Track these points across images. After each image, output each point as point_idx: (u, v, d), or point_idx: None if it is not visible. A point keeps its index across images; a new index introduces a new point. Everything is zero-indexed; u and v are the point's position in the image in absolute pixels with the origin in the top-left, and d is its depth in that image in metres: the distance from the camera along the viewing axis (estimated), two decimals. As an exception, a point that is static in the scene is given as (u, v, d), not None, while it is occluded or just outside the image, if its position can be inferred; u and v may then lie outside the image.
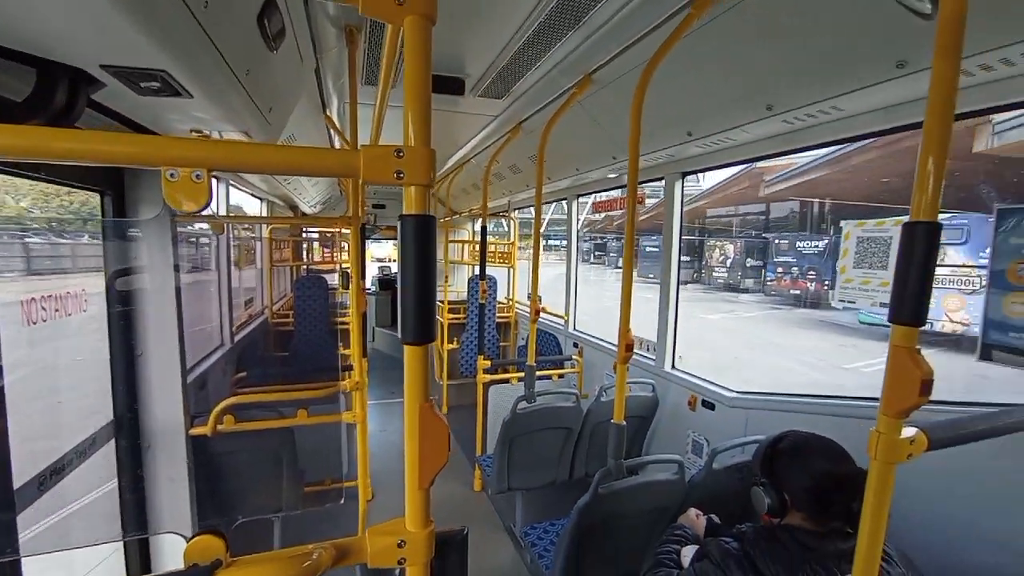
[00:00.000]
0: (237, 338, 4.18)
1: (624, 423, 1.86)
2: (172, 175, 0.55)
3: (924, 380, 0.79)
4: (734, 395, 2.43)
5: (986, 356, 1.32)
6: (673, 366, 2.91)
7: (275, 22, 1.50)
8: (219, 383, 3.54)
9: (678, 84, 2.04)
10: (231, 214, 4.06)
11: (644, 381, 2.76)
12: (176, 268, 2.14)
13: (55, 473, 1.64)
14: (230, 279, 3.98)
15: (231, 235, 4.52)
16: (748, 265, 17.35)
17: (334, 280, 7.64)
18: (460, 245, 5.98)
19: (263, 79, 1.68)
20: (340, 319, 5.57)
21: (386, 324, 8.12)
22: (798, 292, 14.35)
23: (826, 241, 13.47)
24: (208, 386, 3.30)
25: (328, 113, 2.94)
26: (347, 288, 6.45)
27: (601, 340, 3.79)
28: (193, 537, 0.62)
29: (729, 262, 18.22)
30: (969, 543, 1.55)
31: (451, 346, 5.16)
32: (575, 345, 4.05)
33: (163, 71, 1.18)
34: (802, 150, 2.17)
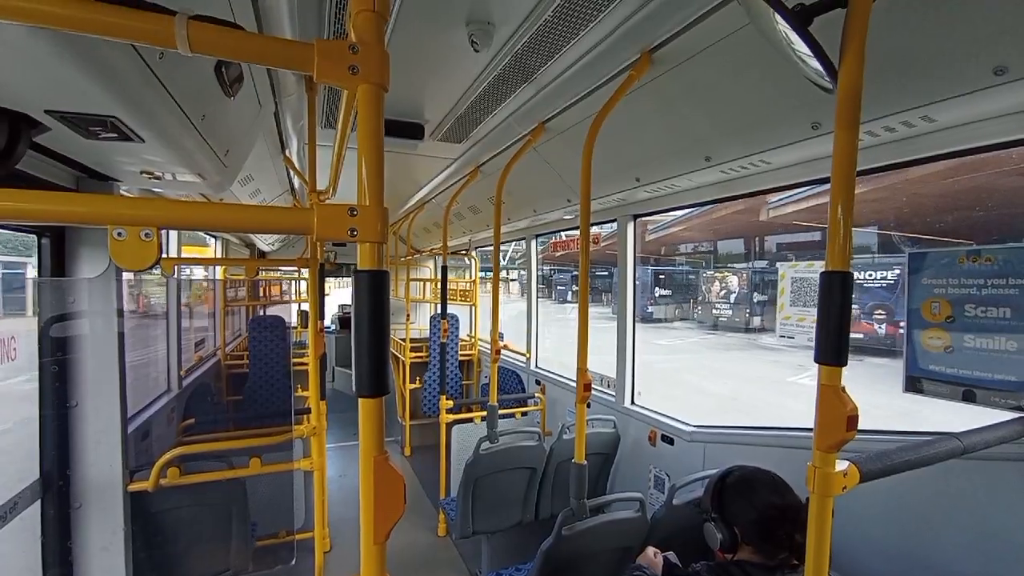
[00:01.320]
0: (186, 382, 3.96)
1: (585, 462, 1.87)
2: (119, 234, 0.55)
3: (850, 416, 0.85)
4: (692, 429, 2.48)
5: (911, 387, 1.42)
6: (632, 401, 2.95)
7: (232, 69, 1.52)
8: (164, 432, 3.31)
9: (627, 134, 2.17)
10: (183, 257, 3.92)
11: (605, 418, 2.78)
12: (120, 313, 2.04)
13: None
14: (179, 320, 3.80)
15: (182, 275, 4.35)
16: (755, 300, 15.05)
17: (293, 318, 7.41)
18: (422, 283, 5.97)
19: (219, 123, 1.68)
20: (298, 360, 5.38)
21: (346, 364, 7.89)
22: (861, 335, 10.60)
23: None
24: (151, 436, 3.09)
25: (287, 154, 2.94)
26: (307, 327, 6.27)
27: (563, 377, 3.81)
28: None
29: (733, 297, 15.84)
30: (905, 567, 1.61)
31: (413, 385, 5.06)
32: (538, 383, 4.05)
33: (113, 117, 1.17)
34: (740, 197, 2.33)
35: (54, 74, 0.95)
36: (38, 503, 1.86)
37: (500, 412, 3.08)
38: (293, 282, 7.78)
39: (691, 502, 1.81)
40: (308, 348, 4.56)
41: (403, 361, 5.09)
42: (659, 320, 18.11)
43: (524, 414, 3.68)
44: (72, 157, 1.57)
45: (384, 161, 0.71)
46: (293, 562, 2.65)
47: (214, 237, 5.29)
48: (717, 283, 16.40)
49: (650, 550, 1.49)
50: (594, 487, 2.79)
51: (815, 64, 0.92)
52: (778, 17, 0.87)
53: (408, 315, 5.26)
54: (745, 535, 1.17)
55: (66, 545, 1.93)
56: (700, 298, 17.23)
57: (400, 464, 4.88)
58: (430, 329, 5.26)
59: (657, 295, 18.27)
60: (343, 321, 8.80)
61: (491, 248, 3.14)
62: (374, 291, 0.67)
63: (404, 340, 5.13)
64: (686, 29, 1.48)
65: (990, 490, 1.42)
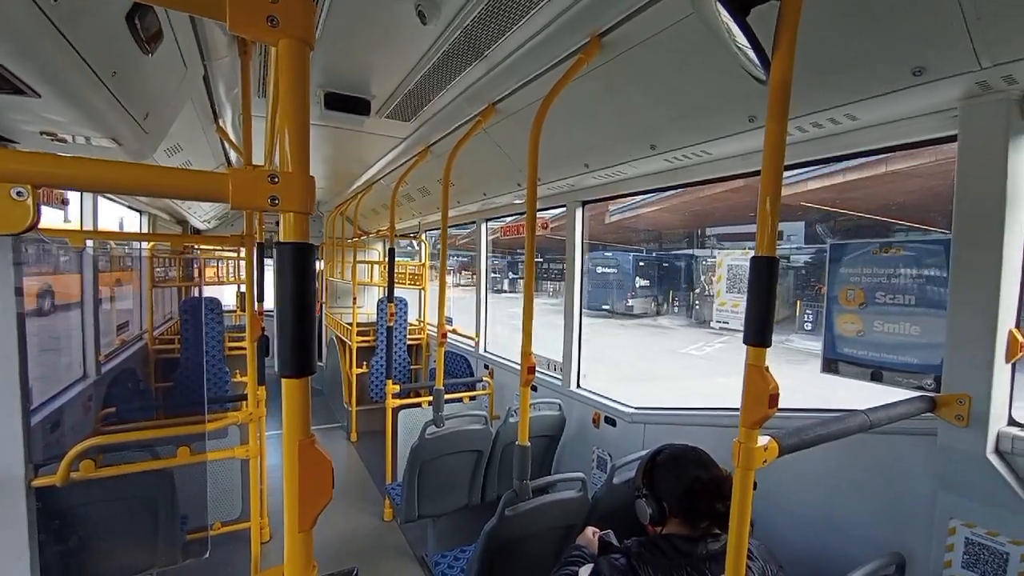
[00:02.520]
0: (106, 368, 3.66)
1: (529, 444, 1.89)
2: None
3: (772, 394, 0.90)
4: (632, 411, 2.57)
5: (828, 369, 1.55)
6: (578, 385, 3.02)
7: (149, 22, 1.38)
8: (79, 422, 3.06)
9: (575, 120, 2.17)
10: (100, 229, 3.59)
11: (551, 401, 2.82)
12: (18, 291, 1.83)
13: None
14: (96, 300, 3.50)
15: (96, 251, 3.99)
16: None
17: (231, 301, 7.00)
18: (369, 266, 5.79)
19: (135, 83, 1.53)
20: (236, 344, 5.11)
21: None
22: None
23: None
24: (63, 426, 2.84)
25: (221, 124, 2.74)
26: (244, 310, 5.95)
27: (512, 362, 3.83)
28: None
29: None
30: (820, 533, 1.76)
31: (360, 370, 4.93)
32: (486, 367, 4.06)
33: (0, 66, 1.03)
34: (683, 186, 2.40)
35: None
36: None
37: (448, 397, 3.06)
38: (231, 263, 7.35)
39: (629, 481, 1.87)
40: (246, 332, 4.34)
41: (349, 345, 4.94)
42: (639, 315, 16.51)
43: (472, 398, 3.68)
44: None
45: (326, 131, 0.66)
46: (207, 555, 2.53)
47: (139, 212, 4.88)
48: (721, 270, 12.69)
49: (589, 530, 1.53)
50: (539, 469, 2.84)
51: (752, 55, 0.95)
52: (719, 5, 0.88)
53: (355, 298, 5.10)
54: (672, 508, 1.23)
55: None
56: (700, 290, 14.74)
57: (346, 450, 4.77)
58: (377, 313, 5.13)
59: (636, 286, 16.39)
60: None
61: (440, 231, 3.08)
62: (297, 265, 0.63)
63: (351, 324, 4.98)
64: (635, 14, 1.48)
65: (895, 461, 1.57)
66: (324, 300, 6.71)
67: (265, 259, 2.94)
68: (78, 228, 3.14)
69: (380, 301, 5.09)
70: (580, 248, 2.94)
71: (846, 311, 1.63)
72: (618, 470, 1.88)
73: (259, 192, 0.61)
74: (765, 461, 0.97)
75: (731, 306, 11.17)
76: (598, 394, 2.86)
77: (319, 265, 6.65)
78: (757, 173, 1.97)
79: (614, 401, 2.72)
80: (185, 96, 2.10)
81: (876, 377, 1.57)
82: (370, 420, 5.03)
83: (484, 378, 3.79)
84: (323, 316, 6.41)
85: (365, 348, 5.03)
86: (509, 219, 4.76)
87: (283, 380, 0.66)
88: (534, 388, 3.45)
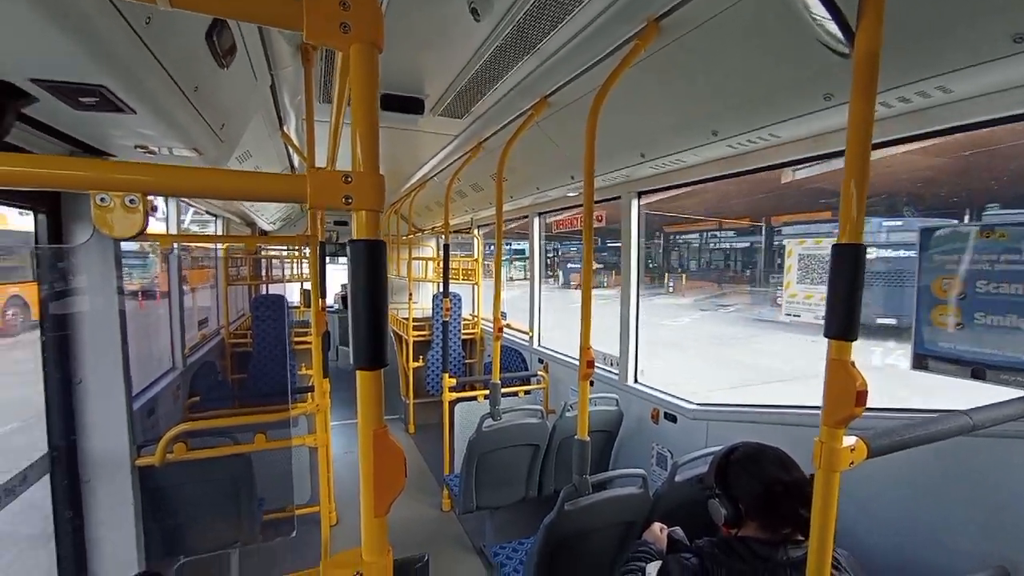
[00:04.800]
0: (190, 360, 3.99)
1: (588, 439, 1.87)
2: (103, 200, 0.53)
3: (859, 391, 0.84)
4: (694, 407, 2.48)
5: (919, 365, 1.39)
6: (636, 380, 2.96)
7: (225, 39, 1.47)
8: (170, 409, 3.35)
9: (631, 108, 2.11)
10: (183, 233, 3.89)
11: (608, 396, 2.78)
12: (120, 290, 2.03)
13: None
14: (181, 299, 3.81)
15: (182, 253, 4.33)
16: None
17: (295, 298, 7.40)
18: (424, 262, 5.94)
19: (213, 96, 1.64)
20: (301, 339, 5.40)
21: (349, 342, 7.92)
22: None
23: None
24: (157, 412, 3.12)
25: (285, 130, 2.89)
26: (309, 306, 6.27)
27: (566, 356, 3.81)
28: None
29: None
30: (910, 542, 1.62)
31: (416, 364, 5.08)
32: (540, 361, 4.06)
33: (102, 86, 1.13)
34: (747, 172, 2.27)
35: (35, 39, 0.91)
36: (47, 478, 1.89)
37: (503, 390, 3.08)
38: (294, 262, 7.77)
39: (694, 478, 1.82)
40: (311, 327, 4.56)
41: (406, 340, 5.10)
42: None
43: (527, 392, 3.70)
44: (64, 130, 1.54)
45: (381, 132, 0.68)
46: (293, 534, 2.70)
47: (215, 216, 5.26)
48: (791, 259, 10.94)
49: (656, 526, 1.50)
50: (597, 464, 2.81)
51: (832, 27, 0.88)
52: (795, -25, 0.82)
53: (410, 294, 5.25)
54: (749, 510, 1.17)
55: (77, 518, 1.97)
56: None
57: (404, 442, 4.94)
58: (432, 308, 5.26)
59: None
60: (345, 300, 8.83)
61: (494, 226, 3.11)
62: (370, 261, 0.65)
63: (407, 319, 5.13)
64: None
65: (998, 467, 1.42)
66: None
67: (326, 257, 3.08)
68: (165, 232, 3.42)
69: (435, 296, 5.21)
70: (636, 239, 2.87)
71: (940, 302, 1.48)
72: (681, 467, 1.83)
73: (335, 192, 0.64)
74: (852, 463, 0.91)
75: (803, 297, 10.34)
76: (657, 389, 2.79)
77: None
78: (831, 155, 1.87)
79: (674, 397, 2.64)
80: (255, 106, 2.24)
81: (978, 375, 1.42)
82: (426, 413, 5.17)
83: (539, 372, 3.80)
84: None
85: (421, 342, 5.18)
86: (564, 214, 4.71)
87: (357, 372, 0.68)
88: (590, 383, 3.41)
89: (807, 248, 10.50)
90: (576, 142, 2.62)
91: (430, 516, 3.52)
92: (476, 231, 5.52)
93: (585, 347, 1.85)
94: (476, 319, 5.52)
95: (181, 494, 2.34)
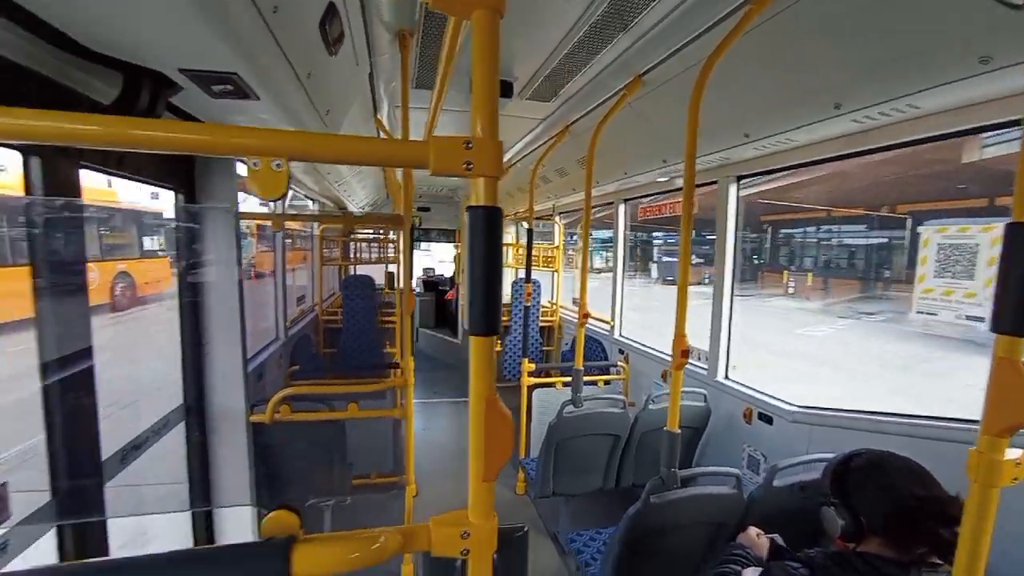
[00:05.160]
0: (291, 332, 4.35)
1: (679, 431, 1.79)
2: (255, 164, 0.57)
3: None
4: (795, 409, 2.28)
5: None
6: (727, 376, 2.78)
7: (335, 27, 1.54)
8: (274, 375, 3.69)
9: (735, 84, 1.95)
10: (288, 214, 4.23)
11: (695, 391, 2.64)
12: (239, 262, 2.25)
13: (135, 448, 1.76)
14: (284, 275, 4.15)
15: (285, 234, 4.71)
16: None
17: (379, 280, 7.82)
18: (504, 248, 6.01)
19: (322, 82, 1.73)
20: (386, 318, 5.70)
21: (429, 325, 8.24)
22: None
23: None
24: (265, 377, 3.45)
25: (379, 116, 3.01)
26: (392, 288, 6.59)
27: (649, 348, 3.68)
28: (269, 512, 0.64)
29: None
30: None
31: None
32: (621, 352, 3.96)
33: (234, 74, 1.23)
34: (873, 151, 2.02)
35: (183, 29, 1.01)
36: (182, 425, 2.16)
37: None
38: (382, 245, 8.19)
39: (795, 485, 1.68)
40: (395, 307, 4.79)
41: None
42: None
43: (607, 383, 3.63)
44: (197, 117, 1.70)
45: (464, 118, 0.68)
46: (394, 491, 2.87)
47: (312, 200, 5.66)
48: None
49: (752, 530, 1.40)
50: (681, 461, 2.70)
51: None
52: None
53: None
54: (874, 525, 1.05)
55: (204, 460, 2.23)
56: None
57: None
58: (512, 294, 5.31)
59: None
60: (427, 284, 9.17)
61: (579, 212, 3.05)
62: (488, 228, 0.65)
63: None
64: None
65: None
66: (461, 281, 7.15)
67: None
68: (275, 212, 3.74)
69: (515, 282, 5.25)
70: (733, 227, 2.68)
71: None
72: (780, 472, 1.69)
73: (456, 158, 0.64)
74: (1015, 479, 0.78)
75: (940, 293, 8.56)
76: (751, 387, 2.61)
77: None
78: (985, 128, 1.60)
79: (772, 397, 2.45)
80: (356, 92, 2.35)
81: None
82: (503, 396, 5.24)
83: (619, 363, 3.71)
84: (459, 296, 6.84)
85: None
86: (647, 199, 4.52)
87: (471, 338, 0.69)
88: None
89: (948, 237, 8.82)
90: (671, 123, 2.48)
91: (504, 497, 3.59)
92: (557, 218, 5.47)
93: (680, 335, 1.76)
94: (555, 306, 5.50)
95: (284, 450, 2.58)
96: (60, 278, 1.34)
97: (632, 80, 2.20)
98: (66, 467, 1.38)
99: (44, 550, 1.30)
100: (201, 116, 1.71)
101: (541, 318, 5.40)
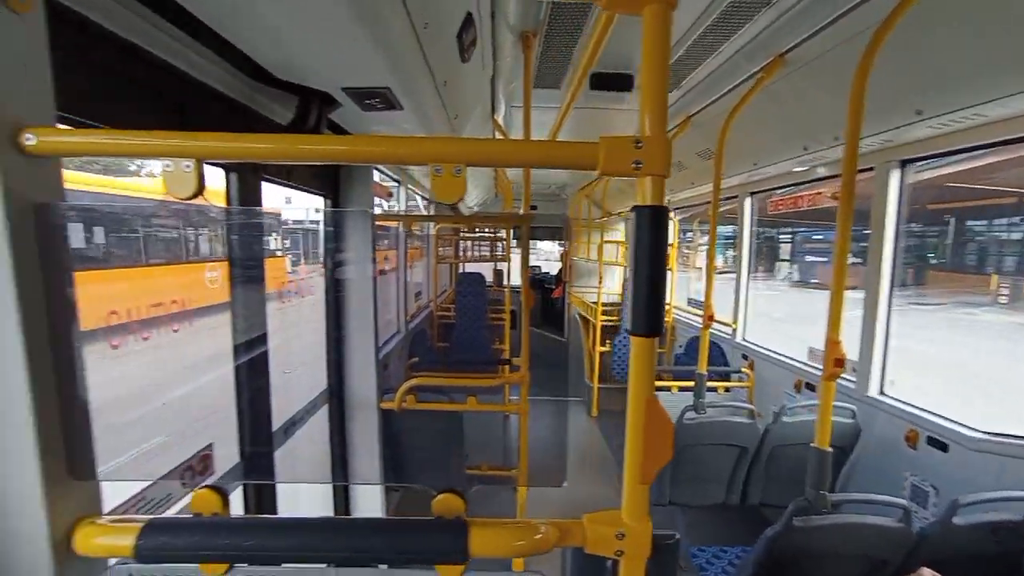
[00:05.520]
0: (410, 326, 4.67)
1: (829, 450, 1.61)
2: (438, 170, 0.61)
3: None
4: (981, 436, 1.91)
5: None
6: (881, 391, 2.43)
7: (470, 34, 1.61)
8: (396, 366, 3.99)
9: (908, 52, 1.68)
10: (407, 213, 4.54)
11: (843, 406, 2.34)
12: (373, 260, 2.46)
13: (293, 424, 2.02)
14: (407, 272, 4.47)
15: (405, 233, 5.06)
16: None
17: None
18: (614, 246, 5.87)
19: (455, 88, 1.82)
20: (494, 315, 5.88)
21: (535, 323, 8.34)
22: None
23: None
24: (389, 368, 3.75)
25: (496, 118, 3.10)
26: (500, 286, 6.77)
27: (780, 355, 3.35)
28: (438, 494, 0.69)
29: None
30: None
31: (603, 349, 5.08)
32: (744, 357, 3.66)
33: (387, 88, 1.34)
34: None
35: (351, 50, 1.12)
36: (326, 407, 2.43)
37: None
38: (488, 242, 8.46)
39: (987, 525, 1.41)
40: (503, 304, 4.91)
41: (593, 324, 5.13)
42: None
43: (727, 390, 3.38)
44: (345, 129, 1.89)
45: (578, 113, 0.66)
46: (511, 485, 2.96)
47: (428, 200, 6.02)
48: None
49: (926, 571, 1.21)
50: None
51: None
52: None
53: (601, 278, 5.25)
54: None
55: (342, 438, 2.49)
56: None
57: (586, 425, 5.02)
58: (623, 293, 5.18)
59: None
60: (532, 282, 9.29)
61: (692, 208, 2.87)
62: (654, 228, 0.64)
63: (595, 303, 5.15)
64: None
65: None
66: (568, 279, 7.14)
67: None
68: (398, 212, 4.04)
69: (626, 280, 5.11)
70: (895, 220, 2.32)
71: None
72: (963, 508, 1.43)
73: (625, 158, 0.63)
74: None
75: None
76: (917, 407, 2.24)
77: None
78: None
79: (947, 420, 2.08)
80: (479, 96, 2.44)
81: None
82: (610, 399, 5.15)
83: (743, 369, 3.43)
84: (566, 294, 6.83)
85: (608, 327, 5.15)
86: (778, 191, 4.11)
87: (631, 338, 0.67)
88: (810, 387, 2.95)
89: None
90: (815, 105, 2.23)
91: (613, 502, 3.50)
92: (672, 213, 5.22)
93: (834, 341, 1.57)
94: (668, 306, 5.26)
95: (408, 436, 2.78)
96: (246, 272, 1.58)
97: (771, 61, 2.02)
98: (249, 435, 1.62)
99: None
100: (349, 128, 1.90)
101: None
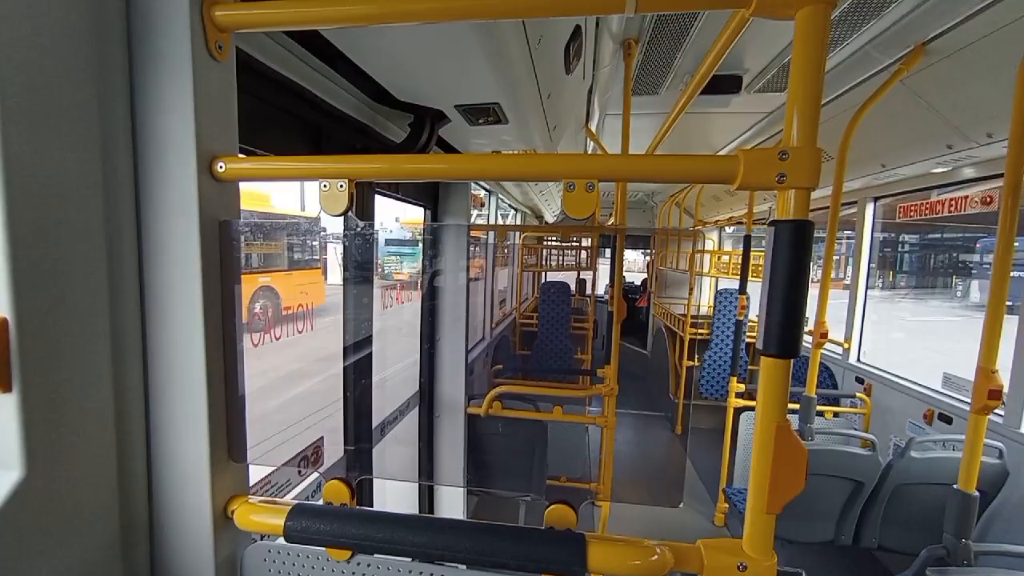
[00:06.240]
0: (494, 333, 4.76)
1: (976, 494, 1.40)
2: (571, 186, 0.62)
3: None
4: None
5: None
6: (1040, 428, 2.07)
7: (575, 45, 1.62)
8: (480, 372, 4.08)
9: None
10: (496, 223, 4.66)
11: (990, 444, 2.03)
12: (467, 269, 2.55)
13: (389, 423, 2.14)
14: (494, 280, 4.57)
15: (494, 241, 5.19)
16: None
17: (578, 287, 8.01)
18: (702, 255, 5.58)
19: (557, 100, 1.83)
20: (576, 325, 5.80)
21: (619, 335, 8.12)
22: None
23: None
24: (474, 373, 3.84)
25: (590, 126, 3.08)
26: (583, 295, 6.70)
27: (906, 380, 2.98)
28: (550, 505, 0.71)
29: None
30: None
31: (690, 363, 4.83)
32: (859, 380, 3.29)
33: (496, 104, 1.38)
34: None
35: (466, 70, 1.17)
36: (416, 409, 2.54)
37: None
38: (572, 251, 8.41)
39: None
40: (585, 314, 4.85)
41: (680, 336, 4.91)
42: None
43: (836, 415, 3.07)
44: (449, 143, 1.97)
45: (658, 120, 0.62)
46: (590, 502, 2.92)
47: (515, 209, 6.11)
48: None
49: None
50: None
51: None
52: None
53: (691, 289, 5.01)
54: None
55: (430, 439, 2.59)
56: None
57: (669, 441, 4.79)
58: (714, 305, 4.90)
59: None
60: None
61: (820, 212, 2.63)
62: (797, 244, 0.60)
63: (684, 315, 4.92)
64: None
65: None
66: (653, 289, 6.90)
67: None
68: (489, 223, 4.16)
69: (719, 293, 4.84)
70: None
71: None
72: None
73: (768, 171, 0.60)
74: None
75: None
76: None
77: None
78: None
79: None
80: (577, 105, 2.44)
81: None
82: (697, 416, 4.88)
83: (858, 394, 3.09)
84: (651, 304, 6.60)
85: (696, 341, 4.90)
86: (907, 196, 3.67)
87: (762, 359, 0.63)
88: (944, 419, 2.59)
89: None
90: (966, 97, 1.98)
91: (701, 527, 3.31)
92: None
93: (990, 369, 1.37)
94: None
95: (492, 443, 2.82)
96: (358, 275, 1.71)
97: (911, 50, 1.82)
98: (353, 431, 1.74)
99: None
100: (453, 142, 1.98)
101: (747, 334, 4.87)
